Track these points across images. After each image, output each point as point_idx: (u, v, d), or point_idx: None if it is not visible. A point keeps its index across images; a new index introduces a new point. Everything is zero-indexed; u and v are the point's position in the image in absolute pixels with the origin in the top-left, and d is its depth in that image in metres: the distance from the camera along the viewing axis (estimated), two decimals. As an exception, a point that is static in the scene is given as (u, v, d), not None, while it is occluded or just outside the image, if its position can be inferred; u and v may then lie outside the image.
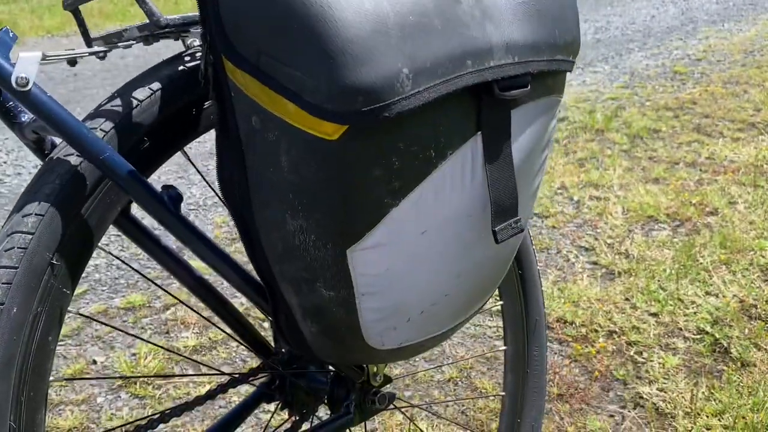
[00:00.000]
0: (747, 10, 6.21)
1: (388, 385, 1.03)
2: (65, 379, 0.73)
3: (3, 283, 0.68)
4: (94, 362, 1.74)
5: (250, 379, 0.99)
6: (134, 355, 1.75)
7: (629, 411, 1.56)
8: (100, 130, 0.75)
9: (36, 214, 0.70)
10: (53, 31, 5.56)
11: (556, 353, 1.76)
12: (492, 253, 0.85)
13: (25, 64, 0.69)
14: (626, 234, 2.32)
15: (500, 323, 1.87)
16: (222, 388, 0.95)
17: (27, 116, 0.80)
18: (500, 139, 0.78)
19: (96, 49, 0.77)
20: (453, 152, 0.74)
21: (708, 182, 2.68)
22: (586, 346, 1.77)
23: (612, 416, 1.56)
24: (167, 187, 0.79)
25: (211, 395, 0.93)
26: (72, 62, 0.77)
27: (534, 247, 1.28)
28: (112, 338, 1.83)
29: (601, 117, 3.41)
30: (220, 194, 0.80)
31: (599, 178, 2.73)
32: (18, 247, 0.69)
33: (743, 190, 2.59)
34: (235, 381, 0.97)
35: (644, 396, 1.60)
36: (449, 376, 1.70)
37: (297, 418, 1.01)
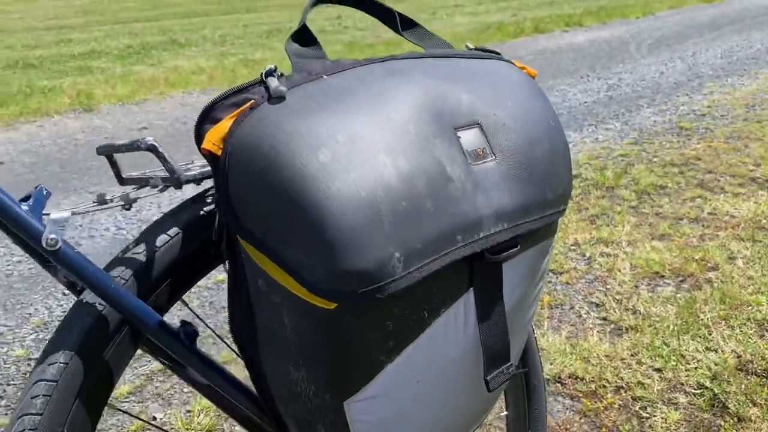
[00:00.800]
0: (749, 64, 6.16)
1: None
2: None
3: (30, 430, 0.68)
4: (155, 418, 1.79)
5: None
6: (189, 412, 1.79)
7: (634, 465, 1.56)
8: (121, 278, 0.75)
9: (48, 383, 0.70)
10: (124, 99, 5.70)
11: (567, 409, 1.75)
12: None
13: (55, 225, 0.69)
14: (633, 290, 2.30)
15: (517, 379, 1.87)
16: None
17: None
18: (492, 294, 0.75)
19: (119, 203, 0.78)
20: (446, 309, 0.71)
21: (710, 238, 2.66)
22: (596, 402, 1.76)
23: (618, 470, 1.55)
24: (184, 324, 0.79)
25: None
26: (102, 202, 0.79)
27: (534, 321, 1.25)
28: (170, 395, 1.88)
29: (612, 174, 3.40)
30: (230, 337, 0.79)
31: (609, 234, 2.72)
32: (43, 395, 0.69)
33: (742, 245, 2.57)
34: None
35: (648, 450, 1.59)
36: None
37: None
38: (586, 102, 5.06)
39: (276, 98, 0.65)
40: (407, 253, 0.64)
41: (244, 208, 0.66)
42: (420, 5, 13.04)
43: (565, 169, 0.80)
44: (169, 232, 0.78)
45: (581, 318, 2.16)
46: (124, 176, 0.78)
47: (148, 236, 0.78)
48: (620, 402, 1.76)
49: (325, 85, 0.68)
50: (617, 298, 2.26)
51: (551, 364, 1.91)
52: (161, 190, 0.79)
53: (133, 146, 0.74)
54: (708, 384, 1.79)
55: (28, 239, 0.70)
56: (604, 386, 1.82)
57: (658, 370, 1.87)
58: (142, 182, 0.78)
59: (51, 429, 0.69)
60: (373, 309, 0.66)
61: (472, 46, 0.86)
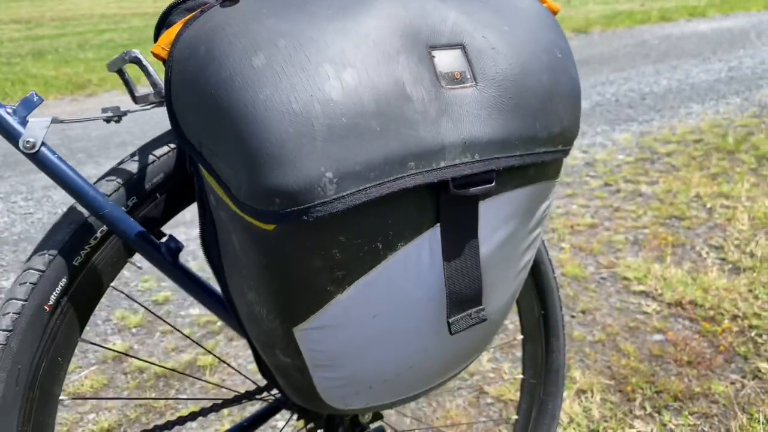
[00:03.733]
0: None
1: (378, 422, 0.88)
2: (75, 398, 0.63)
3: (14, 313, 0.60)
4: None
5: (263, 394, 0.84)
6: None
7: (749, 381, 1.44)
8: (108, 189, 0.63)
9: (40, 267, 0.61)
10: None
11: (687, 329, 1.65)
12: (466, 331, 0.64)
13: (34, 129, 0.59)
14: (751, 237, 2.12)
15: (641, 300, 1.78)
16: (238, 400, 0.81)
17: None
18: (462, 233, 0.57)
19: (105, 114, 0.65)
20: (405, 244, 0.54)
21: (827, 199, 2.40)
22: (713, 325, 1.65)
23: (733, 383, 1.44)
24: (168, 238, 0.66)
25: (226, 405, 0.80)
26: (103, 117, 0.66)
27: (559, 292, 0.98)
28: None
29: (732, 140, 3.13)
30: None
31: (729, 190, 2.51)
32: (30, 282, 0.61)
33: None
34: (250, 394, 0.83)
35: (762, 370, 1.47)
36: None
37: (312, 425, 0.83)
38: (707, 80, 4.67)
39: (228, 1, 0.52)
40: (342, 175, 0.48)
41: (182, 116, 0.53)
42: (557, -4, 12.43)
43: (568, 106, 0.60)
44: (163, 148, 0.66)
45: (701, 257, 2.02)
46: (136, 94, 0.64)
47: (143, 151, 0.66)
48: (737, 328, 1.64)
49: None
50: (736, 243, 2.09)
51: (673, 291, 1.81)
52: (156, 106, 0.65)
53: (119, 59, 0.61)
54: (823, 321, 1.63)
55: (8, 140, 0.60)
56: (722, 314, 1.70)
57: (774, 305, 1.73)
58: (147, 98, 0.65)
59: (32, 325, 0.61)
60: (314, 234, 0.51)
61: None
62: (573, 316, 1.73)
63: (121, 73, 0.63)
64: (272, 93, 0.47)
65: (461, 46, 0.55)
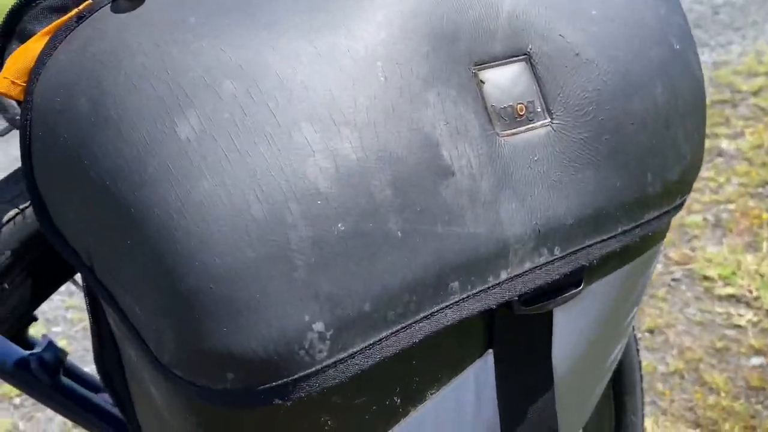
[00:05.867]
0: None
1: None
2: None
3: None
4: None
5: None
6: None
7: None
8: None
9: None
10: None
11: None
12: None
13: None
14: None
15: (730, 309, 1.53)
16: None
17: None
18: (528, 359, 0.41)
19: None
20: (438, 390, 0.38)
21: None
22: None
23: None
24: (46, 347, 0.49)
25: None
26: None
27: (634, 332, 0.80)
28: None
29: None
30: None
31: None
32: None
33: None
34: None
35: None
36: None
37: None
38: None
39: (126, 1, 0.31)
40: (340, 324, 0.30)
41: (55, 205, 0.33)
42: None
43: (691, 129, 0.41)
44: (9, 210, 0.43)
45: None
46: None
47: None
48: None
49: None
50: None
51: None
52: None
53: None
54: None
55: None
56: None
57: None
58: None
59: None
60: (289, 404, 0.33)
61: None
62: (638, 339, 1.48)
63: None
64: (214, 188, 0.29)
65: (525, 56, 0.37)
